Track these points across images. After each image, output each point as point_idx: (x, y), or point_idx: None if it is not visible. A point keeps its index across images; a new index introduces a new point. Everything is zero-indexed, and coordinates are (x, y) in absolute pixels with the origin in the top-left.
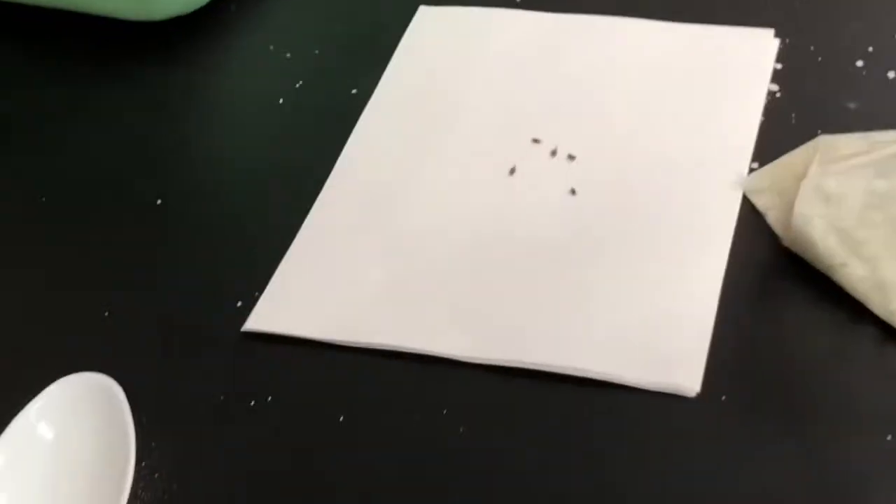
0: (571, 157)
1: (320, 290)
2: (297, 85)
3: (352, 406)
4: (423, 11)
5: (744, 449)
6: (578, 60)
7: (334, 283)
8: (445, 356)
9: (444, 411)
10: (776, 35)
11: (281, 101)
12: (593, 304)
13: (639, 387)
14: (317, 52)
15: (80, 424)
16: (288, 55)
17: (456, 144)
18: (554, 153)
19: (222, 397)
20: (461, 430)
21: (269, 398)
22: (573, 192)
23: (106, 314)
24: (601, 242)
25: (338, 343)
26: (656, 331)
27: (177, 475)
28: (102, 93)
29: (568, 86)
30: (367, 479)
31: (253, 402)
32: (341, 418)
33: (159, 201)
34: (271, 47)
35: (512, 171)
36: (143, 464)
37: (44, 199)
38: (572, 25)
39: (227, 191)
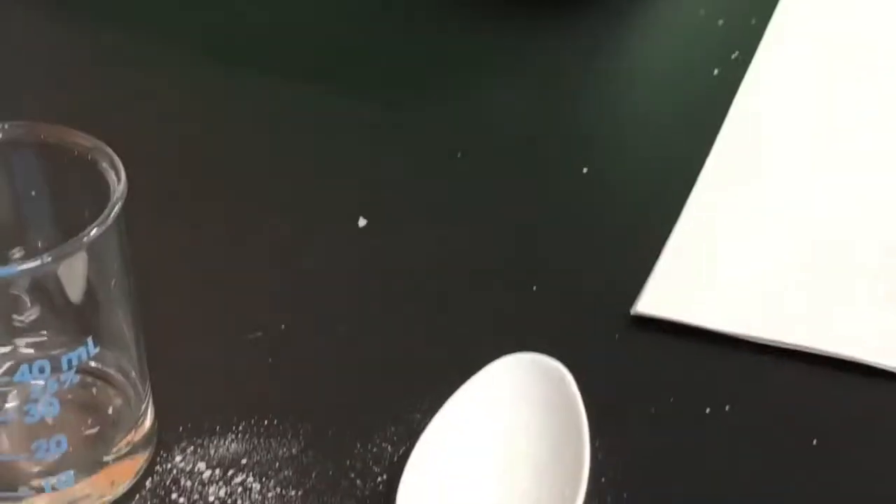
0: None
1: (713, 275)
2: (734, 56)
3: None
4: None
5: None
6: None
7: (730, 269)
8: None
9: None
10: None
11: (716, 71)
12: None
13: None
14: (753, 21)
15: (527, 410)
16: (720, 22)
17: (859, 125)
18: None
19: (672, 399)
20: None
21: (728, 406)
22: None
23: (534, 288)
24: None
25: (746, 338)
26: None
27: (628, 483)
28: (524, 43)
29: None
30: None
31: (708, 410)
32: (814, 442)
33: (585, 170)
34: (702, 12)
35: None
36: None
37: (459, 154)
38: None
39: (646, 164)
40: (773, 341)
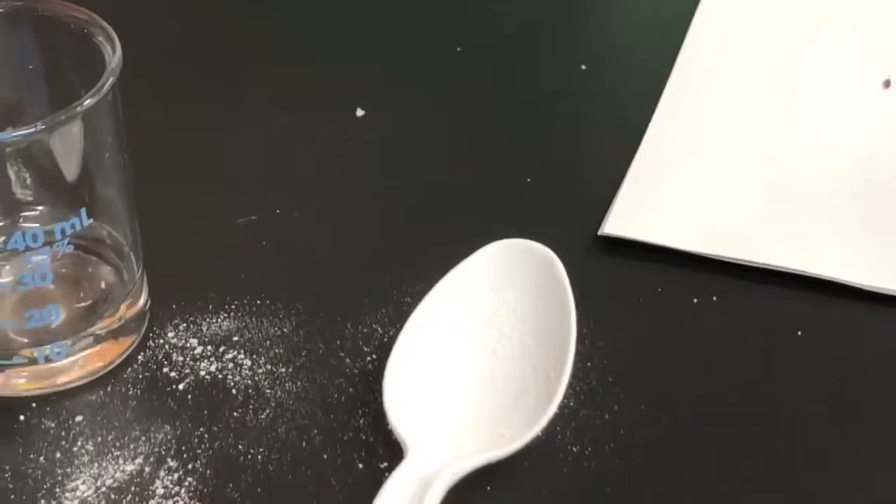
0: None
1: (679, 195)
2: None
3: None
4: None
5: None
6: None
7: (695, 190)
8: (832, 279)
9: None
10: None
11: None
12: None
13: None
14: None
15: (515, 294)
16: None
17: (824, 45)
18: None
19: (659, 289)
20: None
21: (715, 297)
22: None
23: (528, 180)
24: None
25: (709, 256)
26: None
27: (614, 367)
28: None
29: None
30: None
31: (696, 300)
32: (798, 333)
33: (584, 66)
34: None
35: (887, 83)
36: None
37: (459, 48)
38: None
39: (646, 61)
40: (741, 261)
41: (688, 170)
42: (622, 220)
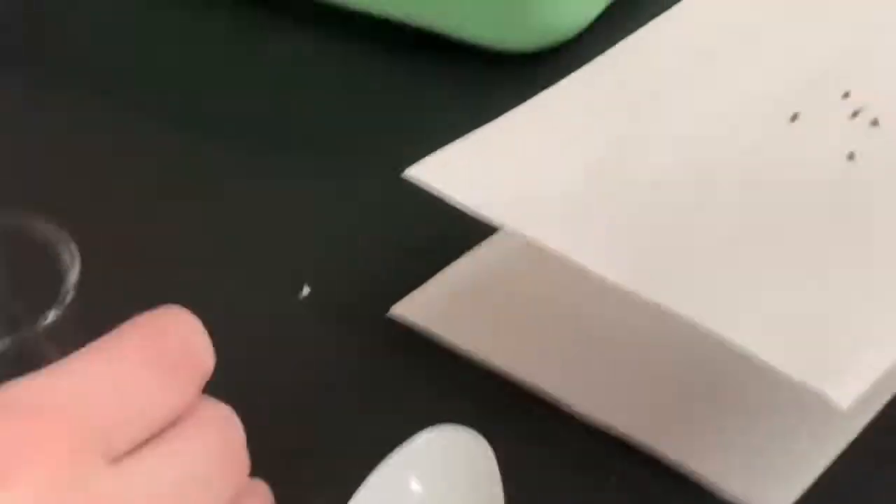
0: (875, 123)
1: (507, 166)
2: None
3: None
4: None
5: None
6: None
7: (527, 164)
8: (595, 274)
9: None
10: None
11: None
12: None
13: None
14: None
15: (446, 483)
16: None
17: (743, 72)
18: (855, 114)
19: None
20: None
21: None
22: (851, 156)
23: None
24: (847, 227)
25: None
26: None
27: None
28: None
29: None
30: None
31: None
32: None
33: None
34: None
35: (794, 117)
36: None
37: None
38: None
39: None
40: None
41: (539, 148)
42: (434, 169)
